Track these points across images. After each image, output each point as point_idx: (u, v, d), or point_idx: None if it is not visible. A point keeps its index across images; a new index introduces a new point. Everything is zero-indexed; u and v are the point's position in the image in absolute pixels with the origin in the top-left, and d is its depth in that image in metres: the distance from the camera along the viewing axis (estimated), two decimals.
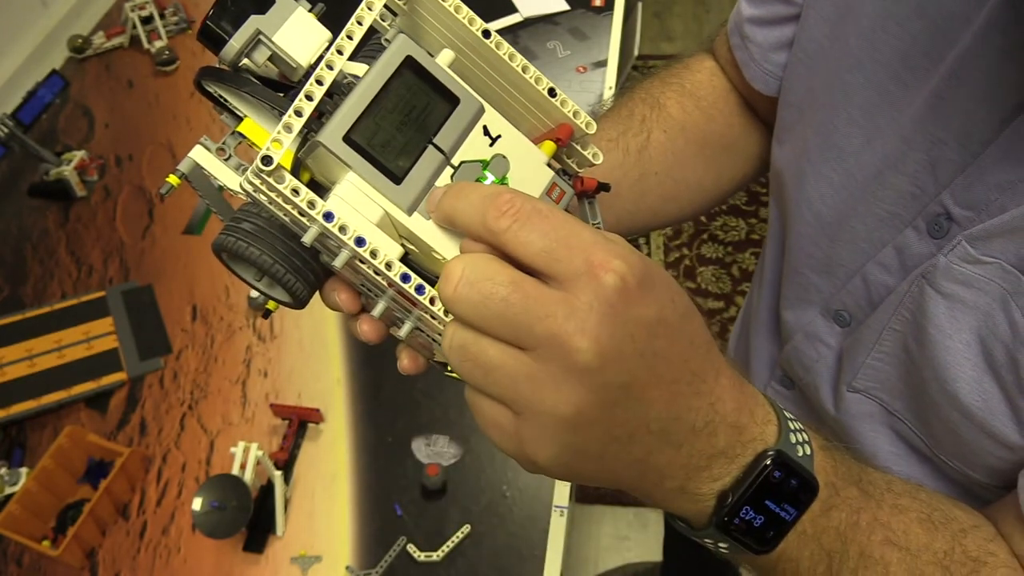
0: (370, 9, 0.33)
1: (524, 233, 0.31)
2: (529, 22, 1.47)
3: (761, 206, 2.34)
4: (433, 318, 0.34)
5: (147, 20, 1.50)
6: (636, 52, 2.19)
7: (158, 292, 1.15)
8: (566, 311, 0.30)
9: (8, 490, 0.92)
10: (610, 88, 1.35)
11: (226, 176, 0.38)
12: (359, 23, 0.33)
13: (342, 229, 0.32)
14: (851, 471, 0.41)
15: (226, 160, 0.38)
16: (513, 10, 1.48)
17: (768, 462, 0.36)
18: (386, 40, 0.38)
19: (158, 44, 1.47)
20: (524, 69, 0.36)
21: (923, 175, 0.50)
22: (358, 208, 0.33)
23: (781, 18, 0.61)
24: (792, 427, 0.38)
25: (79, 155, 1.28)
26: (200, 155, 0.38)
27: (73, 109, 1.42)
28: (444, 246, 0.34)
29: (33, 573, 0.90)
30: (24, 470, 0.94)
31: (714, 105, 0.68)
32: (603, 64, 1.39)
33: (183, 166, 0.38)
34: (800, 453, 0.37)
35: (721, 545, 0.38)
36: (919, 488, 0.44)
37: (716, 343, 0.36)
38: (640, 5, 2.03)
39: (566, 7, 1.49)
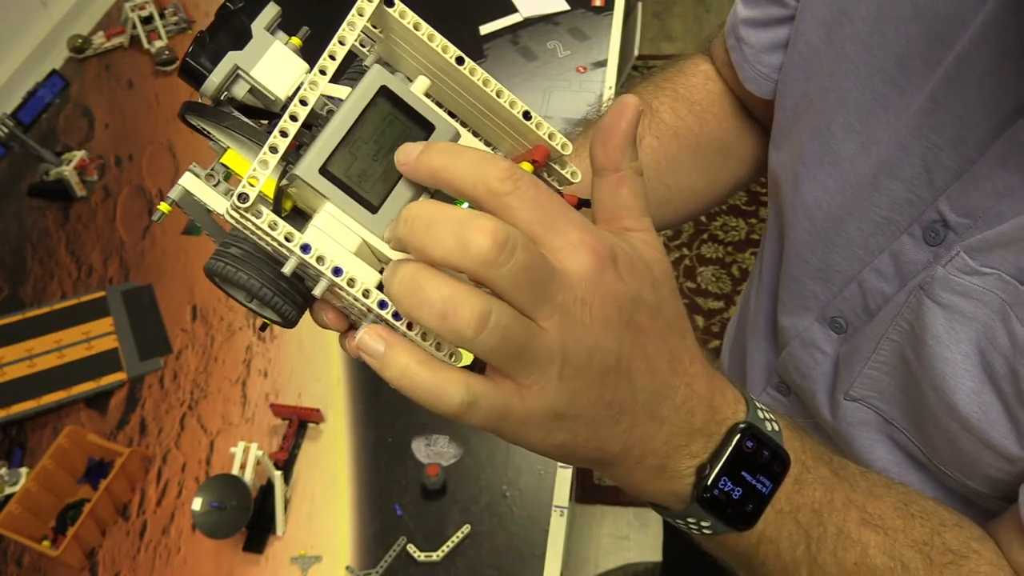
0: (342, 44, 0.34)
1: (523, 200, 0.31)
2: (529, 22, 1.47)
3: (761, 206, 2.34)
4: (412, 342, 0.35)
5: (147, 20, 1.50)
6: (636, 52, 2.19)
7: (158, 292, 1.15)
8: (566, 281, 0.31)
9: (8, 490, 0.92)
10: (610, 88, 1.35)
11: (216, 202, 0.39)
12: (332, 57, 0.34)
13: (319, 260, 0.33)
14: (821, 453, 0.42)
15: (215, 186, 0.39)
16: (513, 10, 1.48)
17: (739, 435, 0.37)
18: (365, 66, 0.39)
19: (158, 44, 1.47)
20: (499, 94, 0.37)
21: (919, 181, 0.50)
22: (336, 237, 0.34)
23: (774, 20, 0.61)
24: (759, 406, 0.39)
25: (79, 155, 1.28)
26: (190, 182, 0.39)
27: (73, 109, 1.42)
28: None
29: (33, 573, 0.91)
30: (24, 470, 0.94)
31: (708, 109, 0.68)
32: (603, 64, 1.39)
33: (174, 193, 0.39)
34: (769, 429, 0.39)
35: (704, 524, 0.39)
36: (897, 483, 0.44)
37: (696, 336, 0.38)
38: (640, 5, 2.03)
39: (566, 7, 1.49)
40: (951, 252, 0.47)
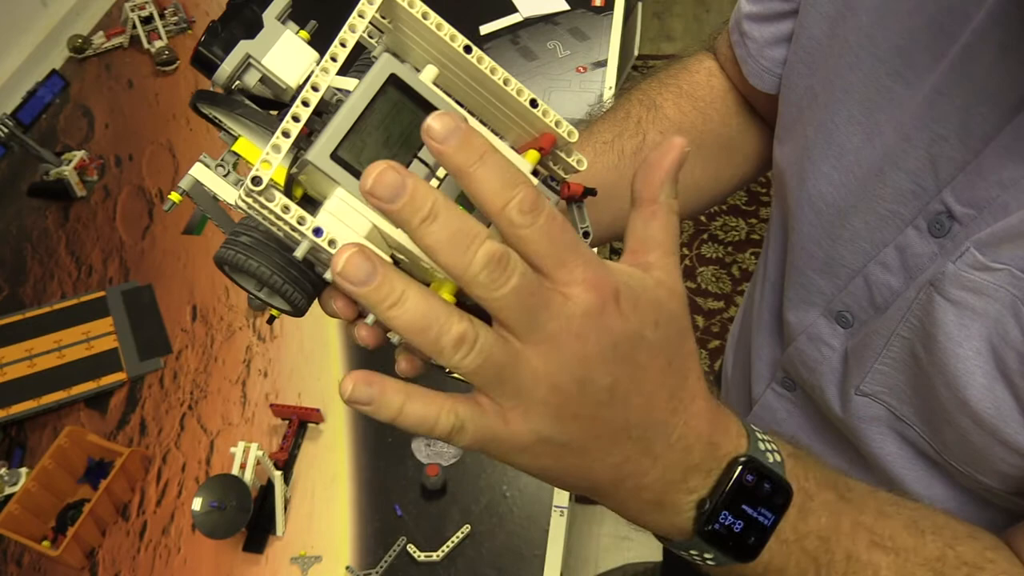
0: (353, 31, 0.35)
1: (539, 233, 0.31)
2: (529, 22, 1.47)
3: (761, 206, 2.34)
4: None
5: (147, 20, 1.50)
6: (636, 52, 2.19)
7: (158, 292, 1.15)
8: (564, 312, 0.32)
9: (8, 490, 0.92)
10: (610, 88, 1.35)
11: (225, 192, 0.39)
12: (343, 45, 0.35)
13: (331, 243, 0.33)
14: (826, 477, 0.41)
15: (225, 176, 0.40)
16: (513, 10, 1.48)
17: (740, 468, 0.37)
18: (374, 57, 0.39)
19: (158, 44, 1.48)
20: (506, 82, 0.37)
21: (924, 172, 0.50)
22: (347, 222, 0.35)
23: (778, 14, 0.61)
24: (760, 437, 0.39)
25: (79, 155, 1.28)
26: (200, 172, 0.39)
27: (73, 109, 1.42)
28: None
29: (33, 573, 0.90)
30: (24, 470, 0.94)
31: (711, 105, 0.68)
32: (603, 64, 1.39)
33: (184, 183, 0.39)
34: (770, 460, 0.38)
35: (707, 556, 0.39)
36: (908, 501, 0.44)
37: (701, 371, 0.38)
38: (640, 5, 2.03)
39: (566, 7, 1.49)
40: (960, 247, 0.47)
